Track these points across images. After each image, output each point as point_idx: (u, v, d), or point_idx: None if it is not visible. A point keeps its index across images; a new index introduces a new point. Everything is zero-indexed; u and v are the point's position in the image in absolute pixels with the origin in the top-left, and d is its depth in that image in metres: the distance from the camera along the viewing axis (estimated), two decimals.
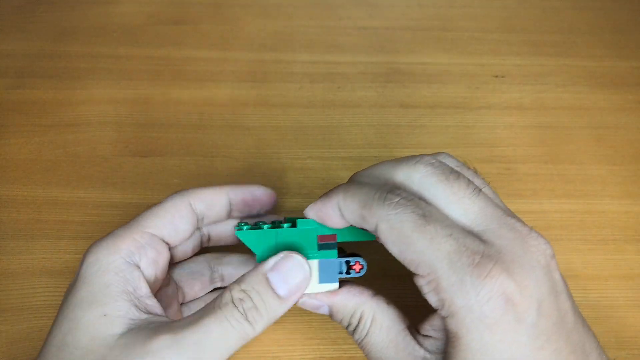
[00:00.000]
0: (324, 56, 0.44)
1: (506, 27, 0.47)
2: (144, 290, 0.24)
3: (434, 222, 0.21)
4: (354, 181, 0.25)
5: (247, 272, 0.23)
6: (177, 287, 0.28)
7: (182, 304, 0.29)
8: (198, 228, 0.28)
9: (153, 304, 0.24)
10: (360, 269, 0.25)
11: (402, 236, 0.21)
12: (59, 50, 0.43)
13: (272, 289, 0.23)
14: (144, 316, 0.23)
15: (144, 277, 0.24)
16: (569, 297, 0.22)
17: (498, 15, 0.48)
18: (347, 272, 0.25)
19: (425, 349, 0.23)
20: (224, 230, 0.29)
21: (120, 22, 0.45)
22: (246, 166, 0.37)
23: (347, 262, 0.25)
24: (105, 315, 0.22)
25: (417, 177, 0.23)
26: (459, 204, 0.22)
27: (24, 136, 0.38)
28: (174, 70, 0.42)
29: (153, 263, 0.25)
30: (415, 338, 0.23)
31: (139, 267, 0.24)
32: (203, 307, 0.23)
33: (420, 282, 0.22)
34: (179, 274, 0.29)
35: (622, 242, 0.35)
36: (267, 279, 0.23)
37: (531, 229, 0.23)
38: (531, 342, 0.20)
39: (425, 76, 0.43)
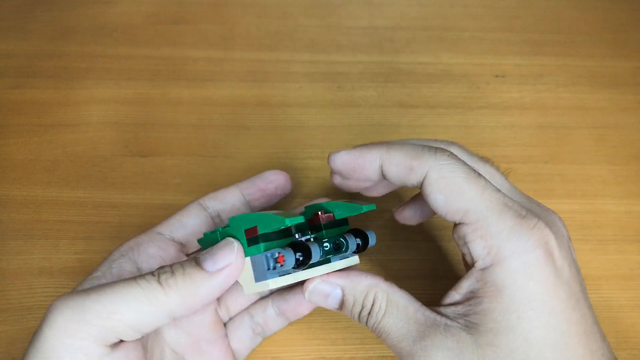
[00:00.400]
0: (324, 56, 0.44)
1: (506, 27, 0.47)
2: None
3: (484, 177, 0.23)
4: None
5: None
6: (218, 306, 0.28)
7: (229, 318, 0.29)
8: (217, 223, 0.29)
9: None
10: (284, 261, 0.22)
11: (454, 185, 0.22)
12: (59, 50, 0.43)
13: (199, 265, 0.22)
14: None
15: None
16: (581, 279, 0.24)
17: (498, 15, 0.48)
18: (274, 268, 0.23)
19: (447, 317, 0.23)
20: None
21: (120, 22, 0.45)
22: (246, 166, 0.37)
23: (272, 255, 0.23)
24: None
25: (452, 150, 0.25)
26: (492, 179, 0.24)
27: (24, 136, 0.38)
28: (174, 70, 0.42)
29: (151, 257, 0.26)
30: (434, 311, 0.23)
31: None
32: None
33: (466, 230, 0.22)
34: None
35: (622, 242, 0.35)
36: (196, 259, 0.22)
37: (552, 210, 0.25)
38: (568, 299, 0.22)
39: (425, 76, 0.43)
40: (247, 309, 0.28)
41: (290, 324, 0.30)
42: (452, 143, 0.25)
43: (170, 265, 0.22)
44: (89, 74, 0.42)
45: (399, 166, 0.23)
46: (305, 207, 0.26)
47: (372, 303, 0.24)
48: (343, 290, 0.24)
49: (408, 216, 0.29)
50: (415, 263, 0.33)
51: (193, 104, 0.40)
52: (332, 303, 0.25)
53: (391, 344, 0.23)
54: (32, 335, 0.21)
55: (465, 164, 0.23)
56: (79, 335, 0.20)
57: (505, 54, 0.45)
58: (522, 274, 0.21)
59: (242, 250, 0.23)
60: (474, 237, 0.22)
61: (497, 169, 0.25)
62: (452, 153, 0.23)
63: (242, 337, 0.28)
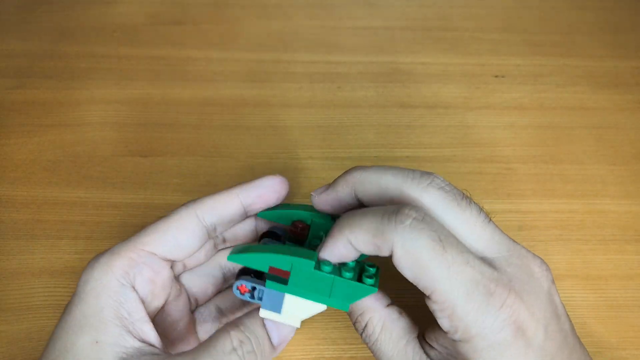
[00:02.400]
0: (324, 56, 0.44)
1: (506, 27, 0.47)
2: (140, 314, 0.23)
3: (451, 248, 0.21)
4: (356, 206, 0.25)
5: (245, 316, 0.24)
6: (189, 295, 0.28)
7: (196, 307, 0.28)
8: (212, 238, 0.27)
9: (148, 330, 0.23)
10: (245, 293, 0.23)
11: (419, 262, 0.21)
12: (59, 50, 0.43)
13: (268, 336, 0.23)
14: (137, 344, 0.22)
15: (140, 298, 0.23)
16: (568, 319, 0.23)
17: (498, 15, 0.48)
18: (250, 297, 0.24)
19: (431, 359, 0.23)
20: (240, 230, 0.28)
21: (120, 22, 0.45)
22: (246, 166, 0.37)
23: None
24: (97, 342, 0.21)
25: (428, 200, 0.23)
26: (472, 230, 0.22)
27: (24, 136, 0.38)
28: (174, 70, 0.42)
29: (150, 282, 0.24)
30: (423, 347, 0.24)
31: (133, 288, 0.23)
32: (202, 346, 0.22)
33: (434, 307, 0.22)
34: (189, 279, 0.28)
35: (622, 242, 0.35)
36: (264, 325, 0.23)
37: (534, 254, 0.23)
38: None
39: (425, 76, 0.43)
40: (212, 299, 0.29)
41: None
42: (434, 178, 0.23)
43: (249, 338, 0.23)
44: (90, 74, 0.42)
45: (367, 245, 0.22)
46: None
47: (365, 325, 0.24)
48: None
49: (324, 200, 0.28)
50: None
51: (193, 104, 0.40)
52: None
53: None
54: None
55: (430, 229, 0.21)
56: (103, 270, 0.23)
57: (505, 54, 0.45)
58: (490, 352, 0.21)
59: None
60: (442, 315, 0.22)
61: (480, 210, 0.23)
62: (414, 219, 0.21)
63: (207, 327, 0.29)
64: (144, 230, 0.25)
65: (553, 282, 0.23)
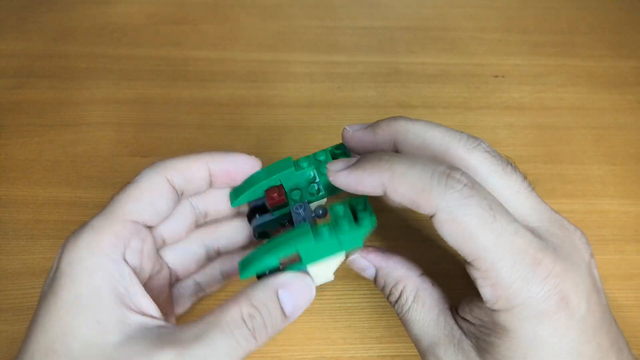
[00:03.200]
0: (324, 56, 0.44)
1: (506, 27, 0.47)
2: (136, 287, 0.22)
3: (501, 217, 0.20)
4: (401, 151, 0.24)
5: (257, 286, 0.23)
6: (170, 271, 0.27)
7: (175, 283, 0.28)
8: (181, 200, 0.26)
9: (147, 303, 0.23)
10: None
11: (466, 230, 0.20)
12: (59, 50, 0.43)
13: (281, 307, 0.23)
14: (140, 319, 0.22)
15: (133, 271, 0.23)
16: (605, 294, 0.23)
17: (498, 15, 0.48)
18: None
19: (462, 331, 0.23)
20: (220, 203, 0.27)
21: (120, 22, 0.45)
22: None
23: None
24: (99, 322, 0.21)
25: (474, 162, 0.22)
26: (516, 197, 0.22)
27: (24, 136, 0.38)
28: (175, 70, 0.42)
29: (138, 253, 0.24)
30: (454, 318, 0.23)
31: (126, 262, 0.23)
32: (209, 318, 0.22)
33: (476, 275, 0.21)
34: (172, 256, 0.27)
35: (622, 242, 0.35)
36: (277, 296, 0.23)
37: (575, 226, 0.23)
38: (579, 336, 0.21)
39: (425, 76, 0.43)
40: (192, 275, 0.29)
41: (291, 323, 0.30)
42: (481, 142, 0.23)
43: (259, 311, 0.22)
44: (90, 74, 0.42)
45: (404, 198, 0.21)
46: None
47: (399, 293, 0.24)
48: (377, 272, 0.25)
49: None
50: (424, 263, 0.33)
51: (193, 104, 0.40)
52: (368, 276, 0.26)
53: (411, 334, 0.24)
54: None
55: (480, 197, 0.20)
56: (90, 248, 0.22)
57: (505, 54, 0.45)
58: (531, 321, 0.21)
59: (315, 291, 0.24)
60: (484, 283, 0.21)
61: (524, 178, 0.23)
62: (465, 185, 0.20)
63: (184, 302, 0.28)
64: (118, 199, 0.24)
65: (592, 255, 0.23)
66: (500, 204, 0.21)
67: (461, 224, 0.20)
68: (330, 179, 0.23)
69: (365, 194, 0.22)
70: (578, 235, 0.23)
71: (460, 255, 0.21)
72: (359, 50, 0.45)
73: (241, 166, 0.26)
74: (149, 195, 0.24)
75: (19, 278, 0.32)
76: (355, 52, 0.44)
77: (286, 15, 0.47)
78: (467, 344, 0.22)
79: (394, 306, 0.25)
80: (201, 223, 0.28)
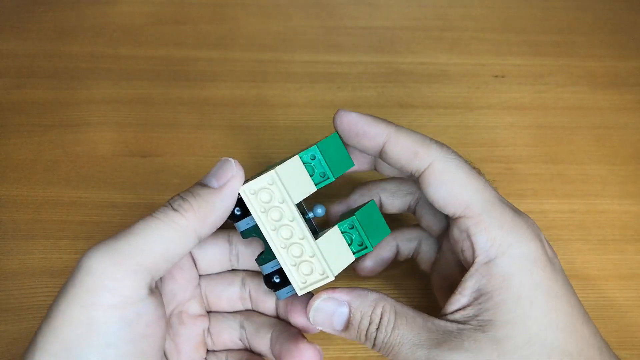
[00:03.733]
0: (324, 56, 0.44)
1: (506, 27, 0.47)
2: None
3: (483, 176, 0.24)
4: None
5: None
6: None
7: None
8: None
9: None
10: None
11: (458, 178, 0.23)
12: (59, 50, 0.43)
13: (205, 184, 0.23)
14: None
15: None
16: None
17: (498, 15, 0.48)
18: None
19: (457, 322, 0.22)
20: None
21: (120, 22, 0.45)
22: (246, 166, 0.37)
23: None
24: None
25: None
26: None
27: (24, 136, 0.38)
28: (174, 70, 0.42)
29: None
30: (442, 319, 0.23)
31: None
32: None
33: (468, 223, 0.23)
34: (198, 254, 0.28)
35: (622, 242, 0.35)
36: (200, 183, 0.23)
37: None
38: (565, 284, 0.23)
39: (425, 76, 0.43)
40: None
41: None
42: (448, 147, 0.25)
43: (178, 194, 0.23)
44: (90, 74, 0.42)
45: (404, 148, 0.24)
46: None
47: (380, 316, 0.23)
48: (350, 306, 0.23)
49: (370, 267, 0.29)
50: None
51: (193, 104, 0.40)
52: (338, 323, 0.24)
53: (405, 357, 0.22)
54: (33, 333, 0.21)
55: (466, 162, 0.24)
56: (117, 277, 0.20)
57: (505, 54, 0.45)
58: (527, 261, 0.22)
59: (239, 163, 0.24)
60: (478, 229, 0.22)
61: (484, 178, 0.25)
62: (454, 151, 0.24)
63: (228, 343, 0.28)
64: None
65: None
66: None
67: (454, 173, 0.23)
68: (337, 117, 0.24)
69: (364, 144, 0.24)
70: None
71: (446, 215, 0.24)
72: (359, 50, 0.45)
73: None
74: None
75: (19, 278, 0.32)
76: (355, 52, 0.44)
77: (286, 15, 0.47)
78: (467, 329, 0.22)
79: (375, 338, 0.23)
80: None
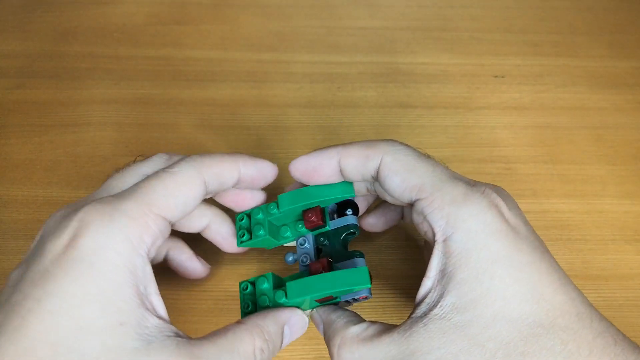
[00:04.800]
0: (324, 56, 0.44)
1: (506, 27, 0.47)
2: (153, 287, 0.22)
3: (433, 158, 0.25)
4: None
5: (268, 320, 0.24)
6: None
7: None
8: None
9: (159, 303, 0.22)
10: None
11: (407, 164, 0.24)
12: (59, 51, 0.43)
13: (282, 341, 0.24)
14: (155, 322, 0.21)
15: (152, 269, 0.22)
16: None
17: (498, 15, 0.48)
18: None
19: (424, 316, 0.22)
20: (234, 202, 0.28)
21: (120, 22, 0.45)
22: None
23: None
24: (122, 324, 0.20)
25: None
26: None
27: (24, 136, 0.38)
28: (174, 70, 0.42)
29: (156, 249, 0.23)
30: (407, 321, 0.22)
31: (148, 260, 0.22)
32: (221, 342, 0.22)
33: (423, 204, 0.23)
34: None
35: (622, 242, 0.35)
36: (282, 332, 0.24)
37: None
38: (532, 251, 0.22)
39: (425, 76, 0.43)
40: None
41: None
42: (395, 141, 0.26)
43: (269, 346, 0.23)
44: (90, 75, 0.42)
45: (355, 157, 0.24)
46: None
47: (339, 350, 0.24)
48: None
49: (372, 223, 0.30)
50: (411, 263, 0.33)
51: (193, 104, 0.40)
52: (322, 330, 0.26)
53: None
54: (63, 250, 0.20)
55: (415, 149, 0.25)
56: (119, 238, 0.21)
57: (505, 55, 0.45)
58: (483, 233, 0.21)
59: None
60: (432, 208, 0.23)
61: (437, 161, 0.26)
62: (402, 143, 0.25)
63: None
64: (152, 186, 0.23)
65: (519, 207, 0.25)
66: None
67: (403, 160, 0.24)
68: (291, 168, 0.25)
69: (325, 173, 0.25)
70: (504, 190, 0.25)
71: (404, 203, 0.24)
72: (359, 51, 0.45)
73: (265, 172, 0.27)
74: (185, 194, 0.23)
75: None
76: (355, 52, 0.44)
77: (286, 15, 0.47)
78: (434, 320, 0.21)
79: None
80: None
